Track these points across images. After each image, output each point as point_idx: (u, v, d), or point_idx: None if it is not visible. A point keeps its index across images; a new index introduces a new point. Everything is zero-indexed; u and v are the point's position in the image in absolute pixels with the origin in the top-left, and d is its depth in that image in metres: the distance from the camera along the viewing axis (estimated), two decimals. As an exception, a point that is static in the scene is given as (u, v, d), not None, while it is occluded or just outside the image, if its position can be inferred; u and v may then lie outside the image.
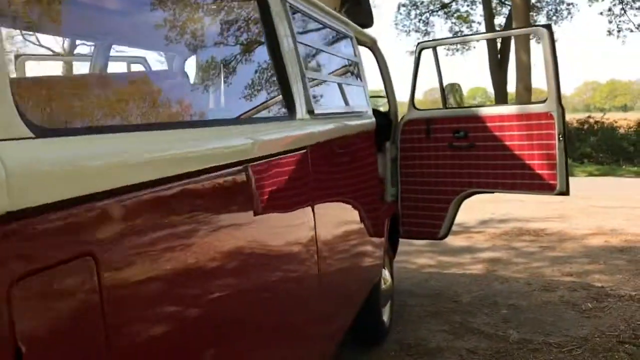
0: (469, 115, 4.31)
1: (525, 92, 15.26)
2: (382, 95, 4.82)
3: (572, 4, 25.00)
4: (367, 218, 3.42)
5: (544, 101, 3.97)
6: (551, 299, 4.77)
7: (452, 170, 4.45)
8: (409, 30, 26.07)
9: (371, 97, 4.97)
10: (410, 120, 4.60)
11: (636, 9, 20.89)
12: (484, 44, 21.19)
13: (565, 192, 3.99)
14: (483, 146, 4.26)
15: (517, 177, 4.13)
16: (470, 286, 5.21)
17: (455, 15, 25.85)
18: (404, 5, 25.65)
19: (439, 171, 4.52)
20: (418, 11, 25.65)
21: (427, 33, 26.29)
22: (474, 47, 27.53)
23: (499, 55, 20.67)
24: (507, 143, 4.14)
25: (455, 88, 4.51)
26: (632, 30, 21.25)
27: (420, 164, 4.60)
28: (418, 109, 4.60)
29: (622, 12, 21.20)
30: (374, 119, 3.71)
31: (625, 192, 10.47)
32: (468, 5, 25.42)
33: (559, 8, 22.98)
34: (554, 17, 23.39)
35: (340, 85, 3.39)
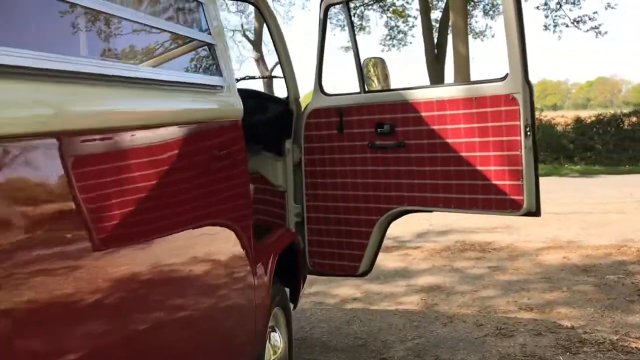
0: (396, 102, 3.01)
1: (463, 87, 14.32)
2: (276, 76, 3.45)
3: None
4: (222, 267, 2.05)
5: (504, 78, 2.71)
6: (510, 349, 3.54)
7: (375, 181, 3.14)
8: (344, 25, 24.94)
9: (264, 77, 3.60)
10: (317, 110, 3.26)
11: (571, 3, 20.44)
12: (420, 38, 20.27)
13: (535, 212, 2.74)
14: (417, 146, 2.97)
15: (465, 190, 2.87)
16: (405, 331, 3.92)
17: (390, 9, 24.87)
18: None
19: (356, 182, 3.20)
20: (352, 4, 24.54)
21: (362, 28, 25.26)
22: (410, 43, 26.60)
23: (435, 50, 19.79)
24: (451, 141, 2.87)
25: (376, 64, 3.20)
26: (567, 25, 20.80)
27: (332, 171, 3.27)
28: (327, 94, 3.26)
29: (558, 6, 20.72)
30: (239, 102, 2.29)
31: (575, 195, 9.55)
32: (404, -1, 24.53)
33: (495, 2, 22.35)
34: (491, 12, 22.79)
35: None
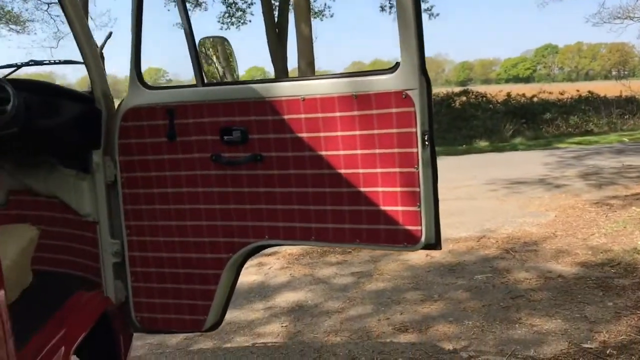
0: (249, 100, 2.19)
1: (307, 68, 13.83)
2: (74, 61, 2.44)
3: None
4: None
5: (394, 69, 2.01)
6: (394, 392, 2.95)
7: (224, 207, 2.31)
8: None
9: (54, 63, 2.59)
10: (136, 110, 2.34)
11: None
12: (260, 17, 19.45)
13: (435, 245, 2.10)
14: (279, 160, 2.19)
15: (345, 218, 2.15)
16: (267, 378, 3.17)
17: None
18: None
19: (198, 208, 2.35)
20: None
21: (198, 4, 23.82)
22: (250, 21, 25.60)
23: (276, 29, 19.11)
24: (325, 153, 2.12)
25: (217, 46, 2.35)
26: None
27: (162, 194, 2.38)
28: (149, 87, 2.34)
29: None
30: None
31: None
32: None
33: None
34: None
35: None
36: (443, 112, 18.10)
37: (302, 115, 2.11)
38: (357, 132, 2.06)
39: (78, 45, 2.28)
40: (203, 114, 2.26)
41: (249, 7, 23.45)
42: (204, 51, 2.36)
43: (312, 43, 13.93)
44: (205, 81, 2.28)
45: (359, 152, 2.07)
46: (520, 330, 3.60)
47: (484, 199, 7.62)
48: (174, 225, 2.38)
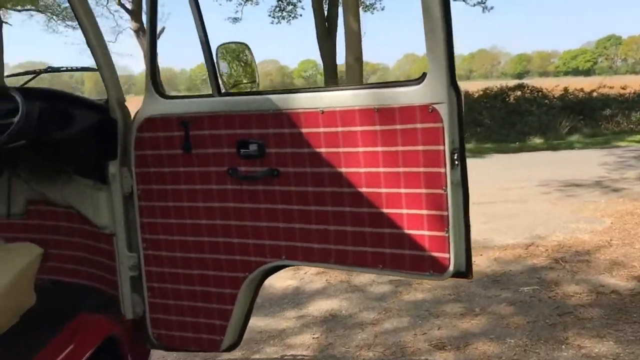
0: (266, 111, 2.05)
1: (355, 64, 13.59)
2: (90, 68, 2.36)
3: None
4: None
5: (420, 80, 1.82)
6: (425, 418, 2.77)
7: (240, 223, 2.19)
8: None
9: (72, 69, 2.52)
10: (152, 120, 2.23)
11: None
12: (310, 10, 19.32)
13: (465, 274, 1.91)
14: (297, 176, 2.05)
15: (366, 240, 1.99)
16: (293, 395, 3.05)
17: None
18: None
19: (214, 224, 2.23)
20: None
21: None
22: (301, 15, 25.51)
23: (326, 24, 18.95)
24: (345, 170, 1.96)
25: (236, 52, 2.22)
26: (454, 0, 20.73)
27: (178, 208, 2.27)
28: (166, 96, 2.24)
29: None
30: None
31: (483, 179, 8.91)
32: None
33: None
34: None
35: None
36: (498, 107, 17.52)
37: (321, 129, 1.96)
38: (380, 149, 1.88)
39: (92, 52, 2.19)
40: (219, 125, 2.13)
41: (300, 1, 23.38)
42: (223, 58, 2.23)
43: (360, 37, 13.67)
44: (222, 90, 2.15)
45: (381, 170, 1.90)
46: (566, 352, 3.34)
47: (535, 202, 7.26)
48: (190, 240, 2.28)
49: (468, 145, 15.00)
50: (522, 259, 5.11)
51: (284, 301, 4.44)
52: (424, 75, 1.80)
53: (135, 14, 25.33)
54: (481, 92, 18.02)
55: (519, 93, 18.72)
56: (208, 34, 2.11)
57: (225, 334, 2.30)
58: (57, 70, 2.39)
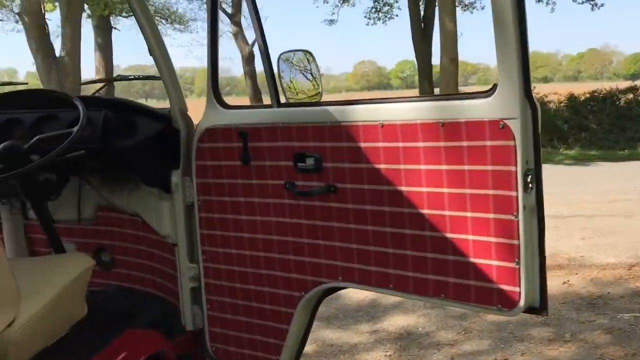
0: (323, 124, 1.93)
1: (450, 65, 13.20)
2: (154, 76, 2.35)
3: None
4: None
5: (490, 93, 1.62)
6: None
7: (297, 240, 2.08)
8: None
9: (139, 78, 2.52)
10: (212, 131, 2.18)
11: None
12: (406, 10, 19.02)
13: (539, 310, 1.69)
14: (354, 193, 1.91)
15: (428, 267, 1.81)
16: (358, 417, 2.91)
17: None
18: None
19: (271, 239, 2.14)
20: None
21: (346, 0, 23.98)
22: (397, 16, 25.21)
23: (422, 24, 18.58)
24: (406, 189, 1.80)
25: (298, 61, 2.11)
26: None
27: (236, 221, 2.21)
28: (227, 106, 2.18)
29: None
30: None
31: (571, 190, 8.46)
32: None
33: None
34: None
35: None
36: (607, 111, 16.35)
37: (380, 144, 1.81)
38: (444, 167, 1.71)
39: (155, 61, 2.17)
40: (277, 137, 2.04)
41: (396, 2, 23.09)
42: (286, 67, 2.14)
43: (456, 38, 13.26)
44: (281, 101, 2.05)
45: (445, 190, 1.72)
46: (670, 393, 2.96)
47: (642, 217, 6.64)
48: (247, 255, 2.20)
49: (571, 152, 14.12)
50: (623, 280, 4.64)
51: (359, 313, 4.30)
52: (494, 87, 1.60)
53: (234, 17, 26.15)
54: (588, 95, 16.90)
55: (630, 96, 17.36)
56: (267, 43, 2.02)
57: (282, 353, 2.21)
58: (125, 78, 2.40)
